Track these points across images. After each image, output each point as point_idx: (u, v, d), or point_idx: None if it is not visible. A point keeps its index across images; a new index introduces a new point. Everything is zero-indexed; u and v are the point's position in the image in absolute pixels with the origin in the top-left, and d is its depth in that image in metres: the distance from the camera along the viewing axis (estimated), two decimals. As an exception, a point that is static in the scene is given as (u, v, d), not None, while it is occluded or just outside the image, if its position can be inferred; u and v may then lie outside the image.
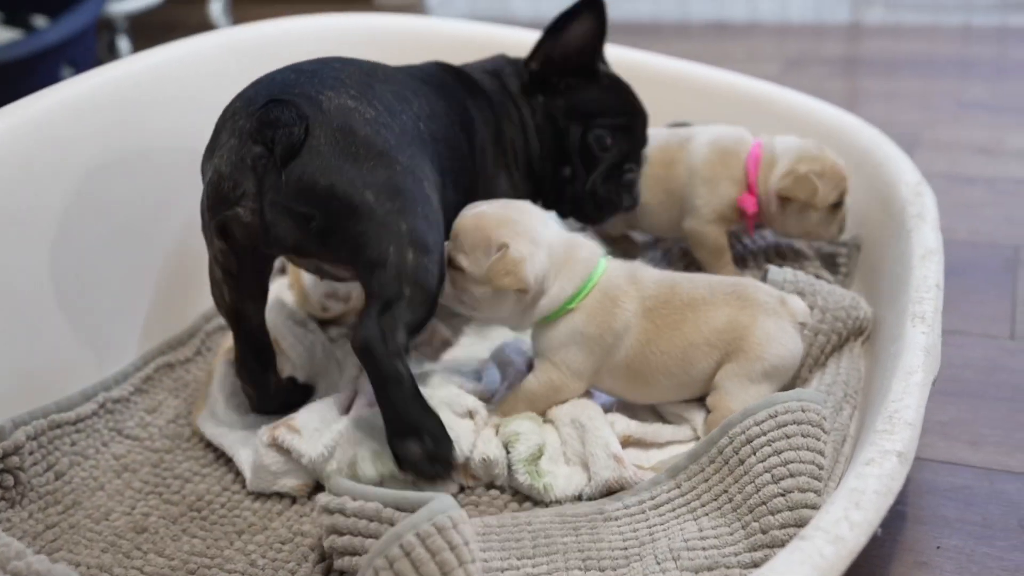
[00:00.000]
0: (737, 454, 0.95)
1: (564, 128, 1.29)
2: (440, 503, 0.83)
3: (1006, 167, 1.84)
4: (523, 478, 1.03)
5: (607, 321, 1.07)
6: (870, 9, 3.01)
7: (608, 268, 1.10)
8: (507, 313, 1.08)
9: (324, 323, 1.37)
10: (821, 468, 0.90)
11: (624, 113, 1.30)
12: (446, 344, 1.31)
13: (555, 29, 1.27)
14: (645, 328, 1.08)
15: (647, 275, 1.11)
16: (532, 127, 1.30)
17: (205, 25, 3.06)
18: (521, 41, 1.71)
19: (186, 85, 1.41)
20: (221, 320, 1.37)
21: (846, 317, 1.13)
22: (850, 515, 0.73)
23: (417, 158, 1.04)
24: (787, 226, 1.31)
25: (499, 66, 1.33)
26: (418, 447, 0.97)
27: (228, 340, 1.35)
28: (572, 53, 1.28)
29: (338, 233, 0.98)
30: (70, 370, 1.17)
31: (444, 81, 1.24)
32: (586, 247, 1.10)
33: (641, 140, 1.33)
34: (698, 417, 1.09)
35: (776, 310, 1.08)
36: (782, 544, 0.85)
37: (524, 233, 1.06)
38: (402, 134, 1.04)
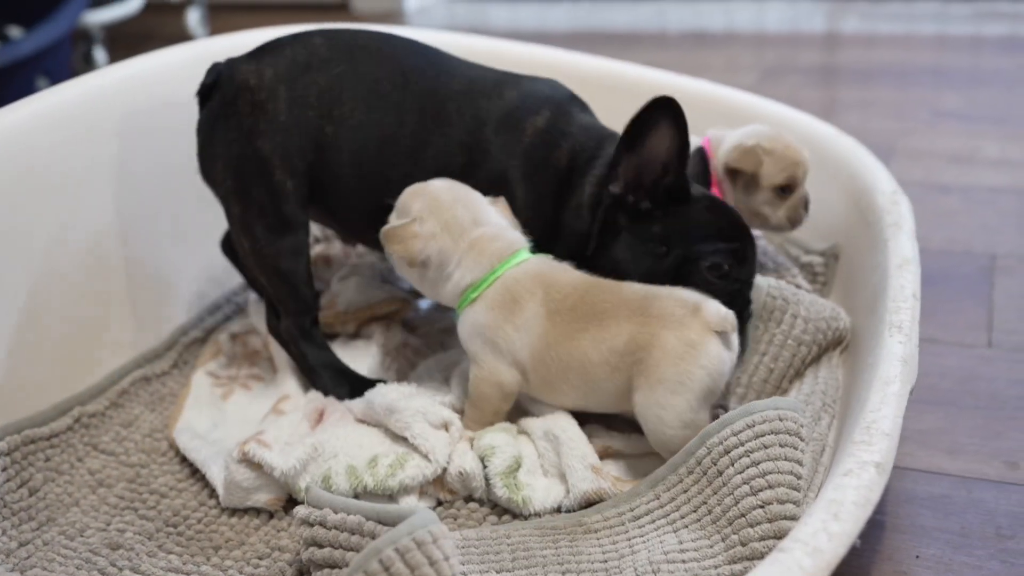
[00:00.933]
0: (715, 464, 0.94)
1: (660, 255, 1.10)
2: (421, 518, 0.83)
3: (981, 176, 1.85)
4: (501, 491, 1.02)
5: (504, 316, 1.06)
6: (846, 18, 3.03)
7: (522, 264, 1.08)
8: (417, 283, 1.11)
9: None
10: (799, 478, 0.90)
11: (735, 238, 1.12)
12: (419, 354, 1.31)
13: (630, 143, 1.08)
14: (547, 330, 1.05)
15: (564, 277, 1.07)
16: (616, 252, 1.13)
17: (182, 35, 3.05)
18: (499, 51, 1.71)
19: (162, 96, 1.40)
20: (198, 333, 1.36)
21: (827, 328, 1.13)
22: (829, 527, 0.73)
23: None
24: (737, 203, 1.31)
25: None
26: None
27: (206, 352, 1.34)
28: (656, 169, 1.09)
29: None
30: (45, 385, 1.16)
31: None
32: (503, 240, 1.09)
33: (753, 264, 1.15)
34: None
35: (683, 322, 1.01)
36: (761, 556, 0.85)
37: (439, 213, 1.08)
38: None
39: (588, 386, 1.05)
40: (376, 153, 1.16)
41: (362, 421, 1.13)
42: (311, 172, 1.17)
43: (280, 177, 1.15)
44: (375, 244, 1.17)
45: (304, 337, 1.21)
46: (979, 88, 2.39)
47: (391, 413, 1.08)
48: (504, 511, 1.04)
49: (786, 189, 1.30)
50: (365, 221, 1.18)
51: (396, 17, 3.41)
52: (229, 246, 1.36)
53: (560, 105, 1.19)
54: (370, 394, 1.13)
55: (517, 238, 1.10)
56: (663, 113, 1.05)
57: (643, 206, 1.10)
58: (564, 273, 1.08)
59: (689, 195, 1.11)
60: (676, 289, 1.05)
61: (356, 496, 1.02)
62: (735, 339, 1.04)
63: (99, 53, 2.85)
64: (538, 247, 1.12)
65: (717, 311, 1.01)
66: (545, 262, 1.09)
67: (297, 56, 1.17)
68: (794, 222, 1.31)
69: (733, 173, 1.30)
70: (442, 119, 1.17)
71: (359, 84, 1.16)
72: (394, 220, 1.09)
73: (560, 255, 1.12)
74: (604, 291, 1.06)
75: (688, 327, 1.00)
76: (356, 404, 1.14)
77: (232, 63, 1.19)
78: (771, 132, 1.31)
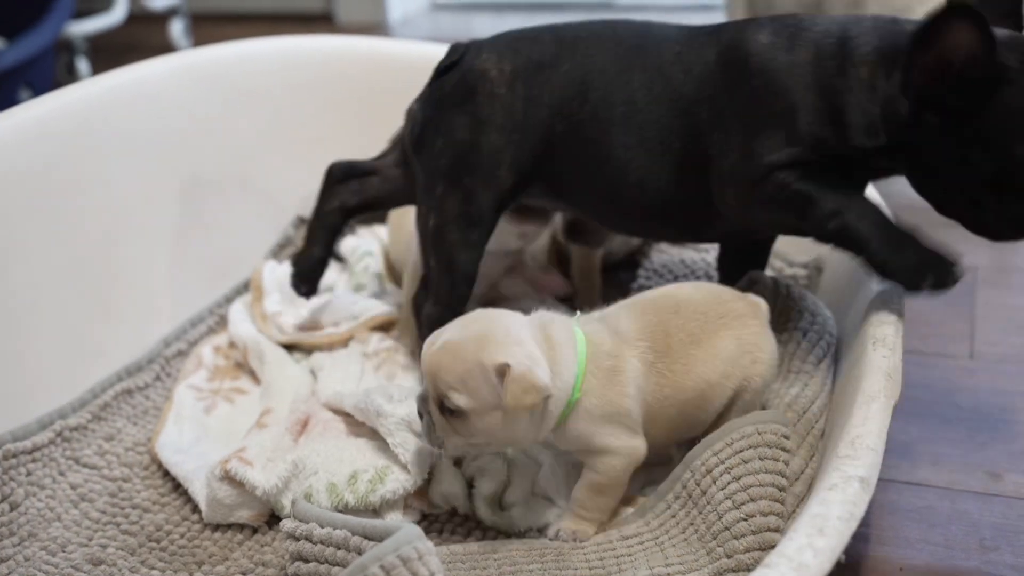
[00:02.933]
0: (699, 486, 0.95)
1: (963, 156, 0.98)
2: (406, 533, 0.82)
3: (963, 187, 1.86)
4: (486, 513, 1.02)
5: (615, 391, 0.96)
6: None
7: (588, 336, 0.99)
8: (523, 432, 0.95)
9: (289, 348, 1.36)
10: (782, 489, 0.91)
11: None
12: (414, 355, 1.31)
13: (923, 40, 0.94)
14: (654, 382, 0.98)
15: (624, 325, 1.00)
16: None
17: (165, 46, 3.05)
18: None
19: (147, 108, 1.39)
20: (181, 345, 1.36)
21: (824, 327, 1.13)
22: (814, 542, 0.73)
23: None
24: None
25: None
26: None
27: (188, 364, 1.34)
28: (959, 63, 0.94)
29: None
30: (26, 398, 1.15)
31: None
32: (557, 323, 0.99)
33: None
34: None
35: (755, 313, 1.04)
36: (747, 568, 0.86)
37: (506, 340, 0.93)
38: None
39: (704, 412, 1.01)
40: (608, 138, 1.12)
41: (347, 416, 1.13)
42: (534, 169, 1.15)
43: (503, 173, 1.14)
44: (613, 222, 1.21)
45: (433, 327, 1.17)
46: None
47: (379, 416, 1.07)
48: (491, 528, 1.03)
49: None
50: (603, 203, 1.17)
51: (380, 28, 3.40)
52: (342, 175, 1.33)
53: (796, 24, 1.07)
54: (366, 392, 1.12)
55: (557, 314, 1.02)
56: (958, 15, 0.91)
57: (951, 103, 0.96)
58: (619, 320, 1.01)
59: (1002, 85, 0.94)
60: (723, 289, 1.07)
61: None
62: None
63: (82, 64, 2.83)
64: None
65: (762, 301, 1.06)
66: (594, 319, 1.02)
67: (532, 54, 1.14)
68: None
69: None
70: (671, 84, 1.10)
71: (587, 78, 1.12)
72: (457, 396, 0.92)
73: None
74: (680, 315, 1.01)
75: (757, 316, 1.04)
76: (348, 399, 1.13)
77: (478, 49, 1.17)
78: None
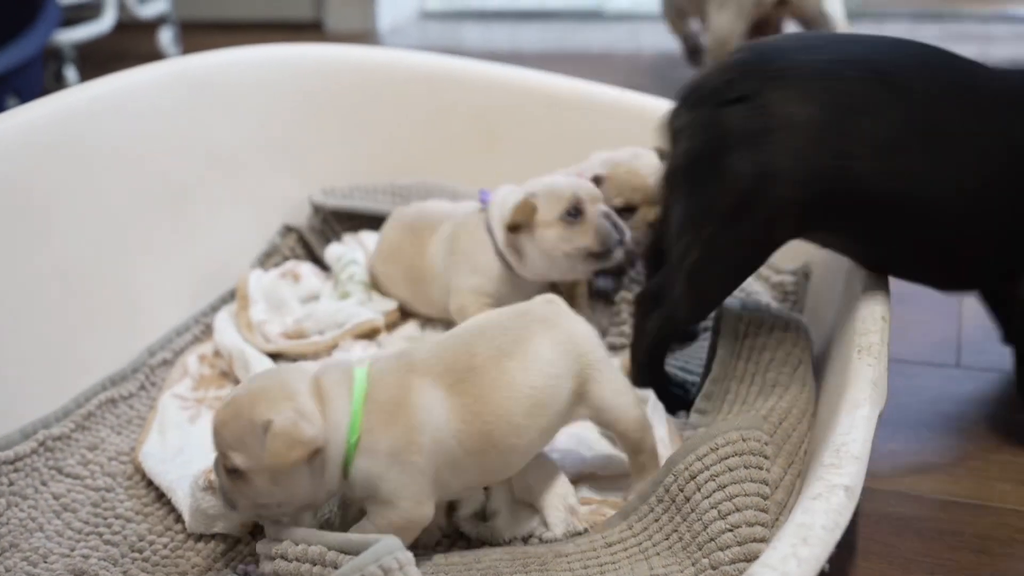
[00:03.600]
0: (682, 491, 0.94)
1: None
2: (386, 545, 0.82)
3: (950, 196, 1.86)
4: (469, 529, 1.02)
5: (400, 427, 0.91)
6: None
7: (372, 374, 0.94)
8: (306, 490, 0.91)
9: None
10: (766, 498, 0.90)
11: None
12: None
13: None
14: (462, 404, 0.93)
15: (428, 355, 0.96)
16: None
17: (154, 55, 3.04)
18: (473, 73, 1.71)
19: (133, 115, 1.39)
20: (166, 354, 1.35)
21: (796, 338, 1.13)
22: (798, 551, 0.73)
23: None
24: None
25: None
26: None
27: (173, 373, 1.33)
28: None
29: None
30: (9, 407, 1.15)
31: None
32: (331, 369, 0.95)
33: None
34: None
35: (556, 309, 1.02)
36: (732, 579, 0.85)
37: (278, 395, 0.90)
38: None
39: (543, 416, 0.96)
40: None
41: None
42: (823, 221, 1.07)
43: (784, 225, 1.07)
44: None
45: (661, 340, 1.18)
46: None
47: None
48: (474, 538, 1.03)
49: (625, 211, 1.34)
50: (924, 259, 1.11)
51: (370, 37, 3.40)
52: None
53: None
54: None
55: (341, 361, 1.00)
56: None
57: None
58: (420, 350, 0.97)
59: None
60: (522, 304, 1.05)
61: (322, 525, 1.01)
62: None
63: (70, 72, 2.83)
64: None
65: (554, 297, 1.05)
66: (391, 356, 0.98)
67: (837, 95, 1.02)
68: (634, 241, 1.34)
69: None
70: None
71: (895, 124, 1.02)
72: (236, 456, 0.89)
73: None
74: (483, 332, 0.99)
75: (557, 313, 1.02)
76: None
77: (773, 84, 1.03)
78: (619, 157, 1.37)
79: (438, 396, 0.93)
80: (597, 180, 1.35)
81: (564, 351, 0.98)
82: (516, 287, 1.33)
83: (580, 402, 1.00)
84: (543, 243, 1.27)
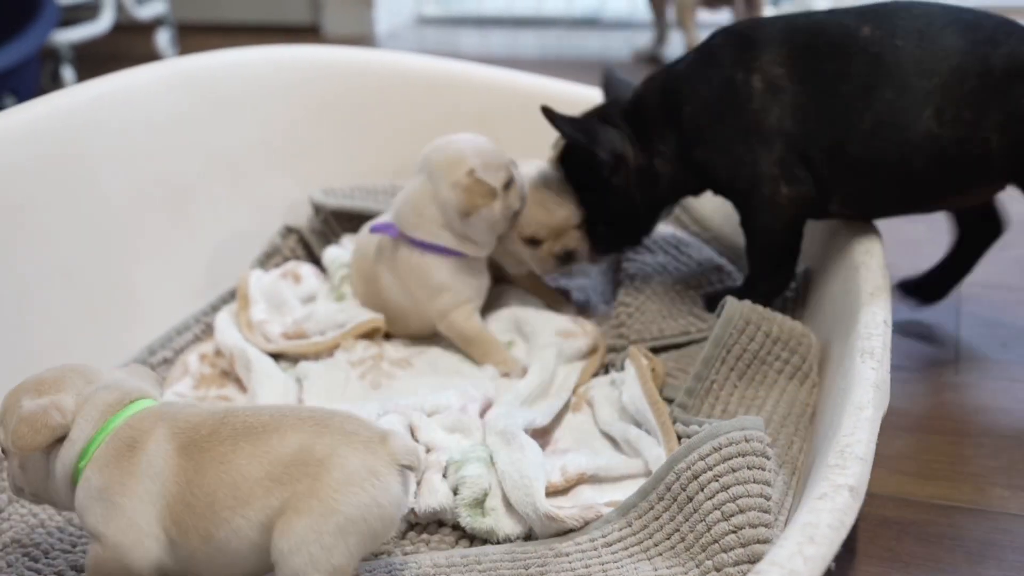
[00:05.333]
0: (684, 490, 0.94)
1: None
2: None
3: (947, 205, 1.87)
4: (467, 520, 1.02)
5: (121, 467, 0.85)
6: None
7: (138, 412, 0.89)
8: (40, 483, 0.90)
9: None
10: (769, 499, 0.90)
11: None
12: (396, 365, 1.31)
13: None
14: (182, 467, 0.84)
15: (189, 411, 0.89)
16: None
17: (151, 56, 3.05)
18: (470, 75, 1.72)
19: (132, 115, 1.39)
20: (167, 353, 1.35)
21: (796, 347, 1.13)
22: (804, 549, 0.73)
23: None
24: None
25: None
26: None
27: (174, 372, 1.33)
28: None
29: None
30: (9, 404, 1.14)
31: None
32: (119, 390, 0.91)
33: None
34: (651, 450, 1.09)
35: (370, 446, 0.84)
36: (735, 580, 0.85)
37: (50, 386, 0.89)
38: None
39: (243, 517, 0.82)
40: None
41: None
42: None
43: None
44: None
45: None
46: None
47: None
48: (474, 536, 1.03)
49: (532, 242, 1.35)
50: None
51: (367, 40, 3.41)
52: None
53: None
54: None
55: (137, 387, 0.93)
56: None
57: None
58: (192, 409, 0.90)
59: None
60: (352, 413, 0.90)
61: None
62: (413, 479, 0.94)
63: (67, 72, 2.83)
64: None
65: (403, 443, 0.86)
66: (169, 404, 0.92)
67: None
68: (543, 272, 1.38)
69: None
70: None
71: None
72: (1, 432, 0.90)
73: None
74: (254, 411, 0.89)
75: (375, 454, 0.84)
76: None
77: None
78: (527, 183, 1.35)
79: (166, 450, 0.85)
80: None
81: (299, 466, 0.83)
82: (477, 269, 1.35)
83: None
84: (491, 216, 1.28)
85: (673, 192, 1.34)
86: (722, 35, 1.28)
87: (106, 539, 0.84)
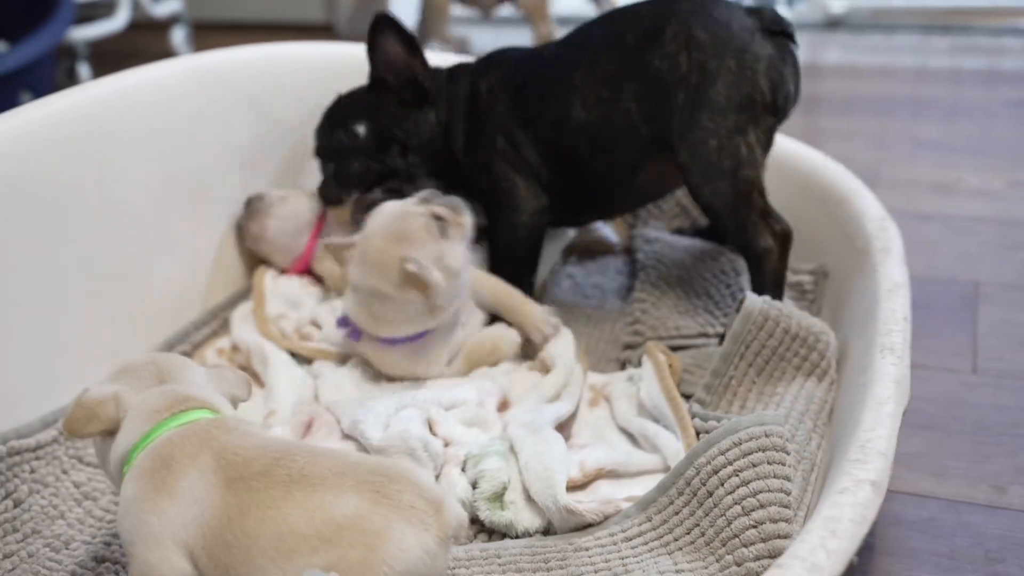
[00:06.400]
0: (705, 485, 0.94)
1: None
2: None
3: (962, 205, 1.87)
4: (486, 514, 1.02)
5: (155, 485, 0.83)
6: (828, 50, 3.07)
7: (183, 427, 0.87)
8: (102, 461, 0.91)
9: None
10: (789, 494, 0.90)
11: None
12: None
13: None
14: (227, 503, 0.81)
15: (241, 441, 0.86)
16: None
17: (166, 54, 3.03)
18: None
19: (149, 111, 1.39)
20: (185, 347, 1.36)
21: (815, 343, 1.13)
22: (826, 543, 0.73)
23: None
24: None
25: None
26: None
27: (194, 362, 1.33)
28: None
29: None
30: (31, 396, 1.15)
31: None
32: (168, 398, 0.89)
33: None
34: (669, 445, 1.09)
35: (423, 520, 0.81)
36: (757, 575, 0.85)
37: (117, 376, 0.91)
38: None
39: (281, 570, 0.79)
40: None
41: (348, 436, 1.13)
42: None
43: None
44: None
45: None
46: (958, 120, 2.42)
47: (374, 450, 1.07)
48: (493, 530, 1.03)
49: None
50: None
51: (381, 40, 3.41)
52: None
53: None
54: (358, 414, 1.11)
55: (191, 396, 0.90)
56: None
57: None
58: (245, 437, 0.87)
59: None
60: (413, 469, 0.87)
61: None
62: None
63: (83, 69, 2.84)
64: None
65: (458, 515, 0.84)
66: (218, 421, 0.88)
67: None
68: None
69: None
70: None
71: None
72: None
73: None
74: (313, 457, 0.85)
75: (430, 530, 0.81)
76: (344, 419, 1.13)
77: None
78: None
79: (210, 480, 0.83)
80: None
81: (354, 533, 0.79)
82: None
83: None
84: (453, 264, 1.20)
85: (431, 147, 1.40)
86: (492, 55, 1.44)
87: (135, 555, 0.82)
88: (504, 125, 1.35)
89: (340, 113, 1.44)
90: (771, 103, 1.23)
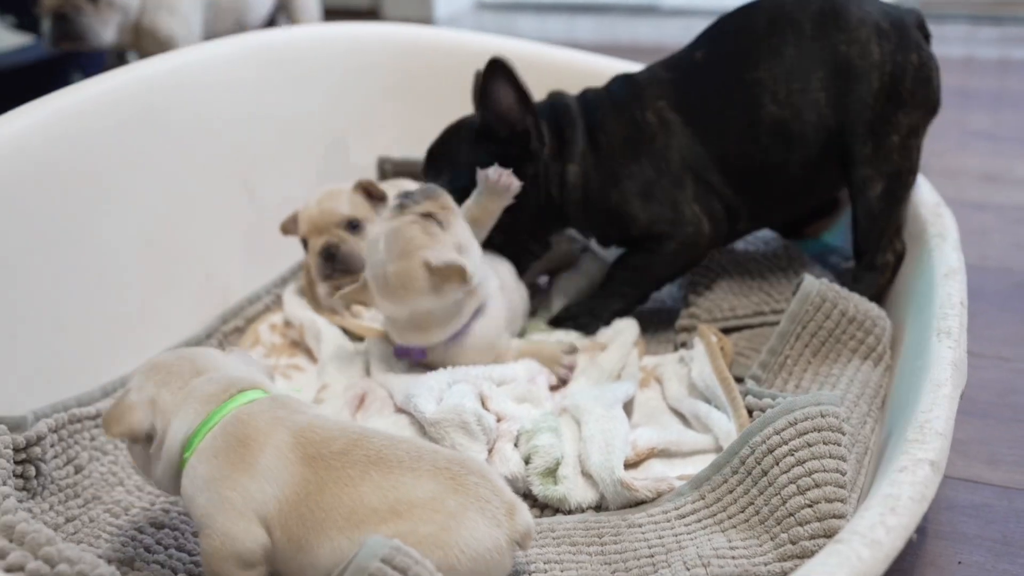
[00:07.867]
0: (760, 464, 0.94)
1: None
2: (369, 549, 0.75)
3: (1012, 194, 1.86)
4: (539, 489, 1.03)
5: (233, 462, 0.85)
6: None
7: (247, 406, 0.89)
8: (146, 470, 0.92)
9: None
10: (844, 474, 0.90)
11: None
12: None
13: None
14: (305, 479, 0.84)
15: (317, 421, 0.88)
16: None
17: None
18: (531, 54, 1.72)
19: (212, 87, 1.41)
20: (238, 322, 1.38)
21: (872, 328, 1.13)
22: (886, 519, 0.73)
23: None
24: None
25: None
26: None
27: (245, 341, 1.35)
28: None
29: None
30: (91, 366, 1.17)
31: None
32: (222, 382, 0.90)
33: None
34: (721, 425, 1.09)
35: (496, 516, 0.83)
36: (812, 554, 0.85)
37: (155, 373, 0.91)
38: None
39: (353, 544, 0.80)
40: None
41: (401, 410, 1.14)
42: None
43: None
44: None
45: None
46: (1006, 109, 2.40)
47: (428, 424, 1.08)
48: (546, 504, 1.04)
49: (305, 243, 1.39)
50: None
51: (426, 24, 3.42)
52: None
53: None
54: (411, 388, 1.12)
55: (241, 379, 0.92)
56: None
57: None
58: (318, 418, 0.89)
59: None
60: (490, 468, 0.89)
61: None
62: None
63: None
64: None
65: (528, 523, 0.85)
66: (283, 403, 0.90)
67: None
68: (319, 277, 1.37)
69: None
70: None
71: None
72: None
73: None
74: (395, 440, 0.87)
75: (501, 527, 0.83)
76: (397, 394, 1.14)
77: None
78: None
79: (288, 458, 0.85)
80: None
81: (427, 511, 0.82)
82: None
83: None
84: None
85: (571, 208, 1.31)
86: (619, 80, 1.33)
87: (214, 529, 0.83)
88: (683, 156, 1.26)
89: (445, 153, 1.33)
90: (936, 105, 1.22)
